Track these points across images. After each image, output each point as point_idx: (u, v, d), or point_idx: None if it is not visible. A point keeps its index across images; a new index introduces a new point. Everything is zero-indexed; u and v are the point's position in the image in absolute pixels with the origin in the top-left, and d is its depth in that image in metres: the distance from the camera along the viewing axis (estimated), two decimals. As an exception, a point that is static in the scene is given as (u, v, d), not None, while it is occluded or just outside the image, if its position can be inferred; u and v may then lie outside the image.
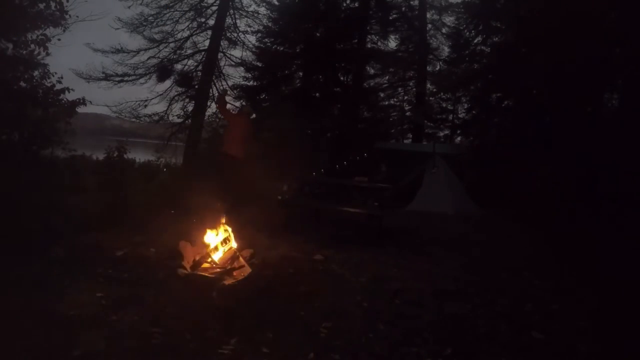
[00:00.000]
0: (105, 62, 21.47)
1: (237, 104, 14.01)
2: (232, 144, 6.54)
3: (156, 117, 13.54)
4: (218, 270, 3.73)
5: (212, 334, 2.70)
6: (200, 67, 13.59)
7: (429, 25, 17.44)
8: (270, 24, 14.35)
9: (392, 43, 17.14)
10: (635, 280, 4.42)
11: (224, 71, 14.07)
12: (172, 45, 13.51)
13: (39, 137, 5.82)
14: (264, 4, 14.21)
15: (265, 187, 7.07)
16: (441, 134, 18.38)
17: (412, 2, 16.66)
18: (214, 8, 13.50)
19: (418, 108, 16.64)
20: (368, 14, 15.31)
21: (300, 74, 15.09)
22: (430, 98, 17.73)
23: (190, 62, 13.79)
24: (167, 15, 13.27)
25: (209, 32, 13.52)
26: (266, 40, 14.55)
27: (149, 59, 13.25)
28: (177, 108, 13.75)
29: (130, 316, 2.87)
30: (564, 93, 8.25)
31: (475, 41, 14.44)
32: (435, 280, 4.28)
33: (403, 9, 16.43)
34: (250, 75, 14.52)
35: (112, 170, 6.59)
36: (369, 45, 15.88)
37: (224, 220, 4.16)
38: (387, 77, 17.58)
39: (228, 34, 13.78)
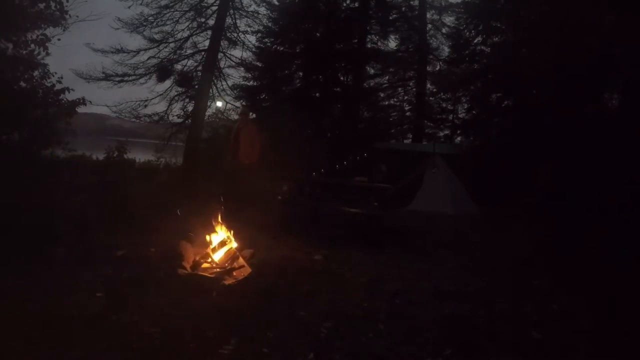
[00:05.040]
0: (105, 62, 21.32)
1: (237, 104, 14.05)
2: (248, 152, 6.45)
3: (156, 117, 13.54)
4: (218, 270, 3.73)
5: (212, 334, 2.70)
6: (200, 67, 13.58)
7: (429, 25, 17.42)
8: (270, 24, 14.35)
9: (392, 43, 17.13)
10: (636, 279, 4.42)
11: (224, 71, 14.09)
12: (172, 45, 13.51)
13: (39, 137, 5.83)
14: (264, 4, 14.21)
15: (265, 188, 7.06)
16: (441, 134, 18.33)
17: (412, 2, 16.66)
18: (214, 8, 13.48)
19: (418, 108, 16.63)
20: (368, 14, 15.29)
21: (300, 74, 15.08)
22: (430, 98, 17.72)
23: (190, 62, 13.80)
24: (167, 15, 13.27)
25: (209, 32, 13.51)
26: (266, 40, 14.54)
27: (149, 59, 13.25)
28: (177, 108, 13.76)
29: (130, 316, 2.87)
30: (563, 93, 8.25)
31: (475, 41, 14.43)
32: (435, 280, 4.28)
33: (403, 9, 16.41)
34: (250, 75, 14.51)
35: (112, 170, 6.60)
36: (369, 45, 15.86)
37: (223, 220, 4.16)
38: (387, 77, 17.58)
39: (228, 34, 13.77)
